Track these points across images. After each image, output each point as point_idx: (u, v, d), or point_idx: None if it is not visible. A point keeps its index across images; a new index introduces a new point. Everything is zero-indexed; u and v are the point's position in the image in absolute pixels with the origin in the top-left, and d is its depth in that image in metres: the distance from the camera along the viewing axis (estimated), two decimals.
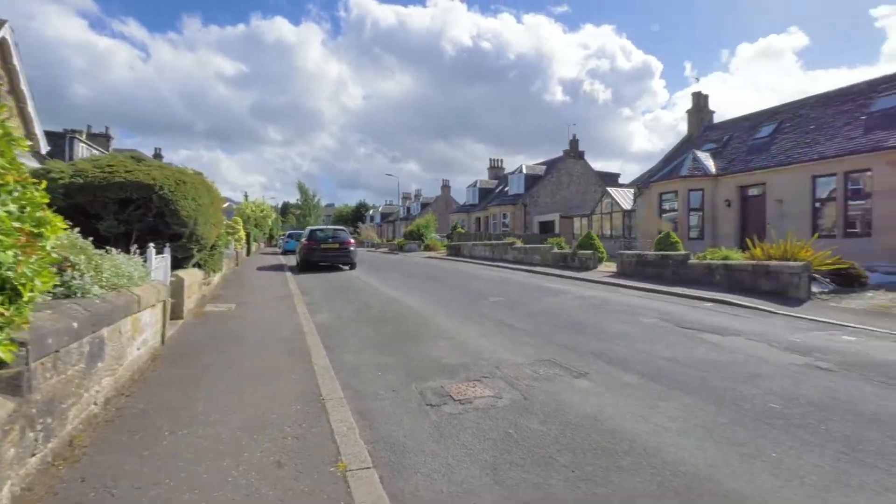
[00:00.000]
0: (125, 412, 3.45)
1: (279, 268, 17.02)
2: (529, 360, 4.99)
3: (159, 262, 6.08)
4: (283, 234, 35.48)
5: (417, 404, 3.82)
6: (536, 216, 33.88)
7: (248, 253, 26.29)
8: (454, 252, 25.71)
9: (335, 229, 17.03)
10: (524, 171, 35.72)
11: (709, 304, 8.55)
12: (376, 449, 3.06)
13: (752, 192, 17.71)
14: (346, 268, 16.31)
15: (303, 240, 16.83)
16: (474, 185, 43.11)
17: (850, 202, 14.70)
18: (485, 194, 42.15)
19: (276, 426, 3.25)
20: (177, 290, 6.51)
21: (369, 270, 16.56)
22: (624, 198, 26.40)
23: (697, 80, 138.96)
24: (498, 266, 18.02)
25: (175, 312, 6.39)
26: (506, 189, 37.60)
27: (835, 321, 6.89)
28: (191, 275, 7.44)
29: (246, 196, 36.88)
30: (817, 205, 15.56)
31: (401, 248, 32.71)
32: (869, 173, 14.07)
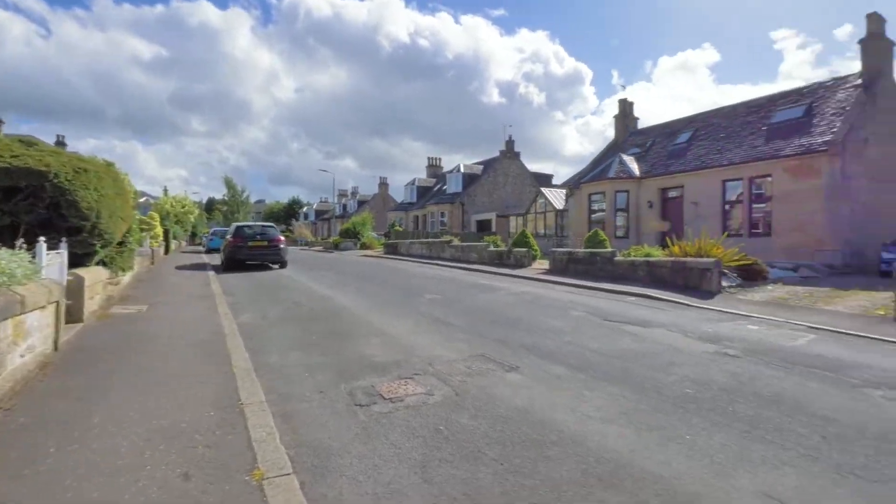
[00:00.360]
0: (1, 429, 3.00)
1: (201, 267, 15.91)
2: (463, 355, 4.97)
3: (53, 259, 5.40)
4: (208, 232, 33.29)
5: (346, 405, 3.66)
6: (474, 215, 34.39)
7: (167, 251, 24.41)
8: (391, 250, 25.44)
9: (264, 226, 16.21)
10: (462, 170, 36.14)
11: (632, 299, 9.03)
12: (299, 454, 2.87)
13: (672, 194, 19.04)
14: (276, 266, 15.57)
15: (228, 237, 15.83)
16: (412, 183, 43.00)
17: (754, 205, 16.21)
18: (423, 192, 42.16)
19: (185, 435, 2.96)
20: (75, 289, 5.83)
21: (302, 269, 15.93)
22: (557, 198, 27.46)
23: (624, 87, 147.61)
24: (435, 264, 18.04)
25: (73, 315, 5.71)
26: (444, 188, 37.83)
27: (741, 312, 7.52)
28: (93, 273, 6.70)
29: (165, 191, 34.31)
30: (727, 207, 17.01)
31: (336, 247, 31.87)
32: (769, 179, 15.59)
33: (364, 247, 30.32)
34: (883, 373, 4.49)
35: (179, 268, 15.65)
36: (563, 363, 4.72)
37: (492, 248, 17.71)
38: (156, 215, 20.72)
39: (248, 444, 2.88)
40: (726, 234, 14.92)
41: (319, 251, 32.14)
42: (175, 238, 28.27)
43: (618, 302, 8.70)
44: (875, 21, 15.73)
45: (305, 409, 3.60)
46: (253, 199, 71.58)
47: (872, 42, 15.79)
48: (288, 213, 72.94)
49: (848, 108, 14.89)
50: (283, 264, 15.58)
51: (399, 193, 52.36)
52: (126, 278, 9.97)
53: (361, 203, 54.51)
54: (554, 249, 14.54)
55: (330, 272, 14.89)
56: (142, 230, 13.71)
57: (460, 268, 16.11)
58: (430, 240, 23.59)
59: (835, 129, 14.41)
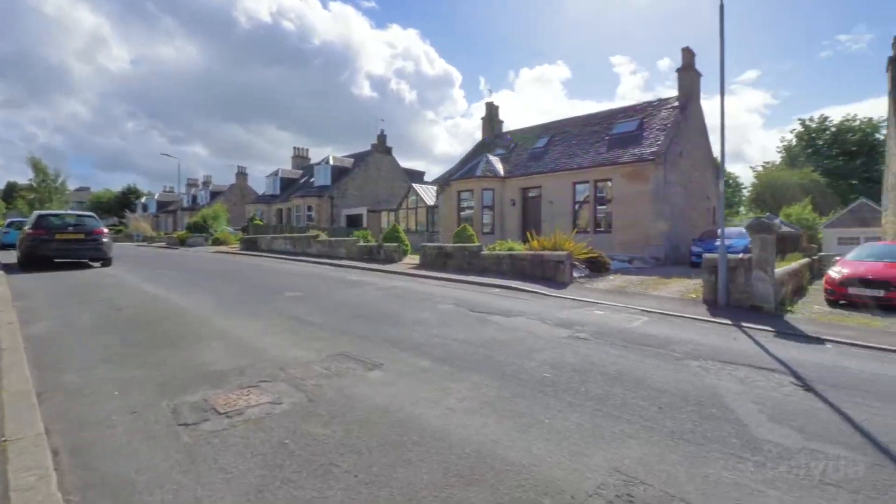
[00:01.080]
0: None
1: None
2: (321, 356, 4.49)
3: None
4: (2, 224, 26.72)
5: (166, 426, 2.96)
6: (344, 209, 33.20)
7: None
8: (250, 246, 23.24)
9: (79, 215, 13.27)
10: (331, 162, 34.58)
11: (497, 290, 9.37)
12: (87, 497, 2.18)
13: (532, 193, 20.54)
14: (98, 264, 12.96)
15: (27, 228, 12.63)
16: (276, 174, 39.95)
17: (598, 206, 18.27)
18: (288, 184, 39.47)
19: None
20: None
21: (133, 267, 13.56)
22: (428, 194, 27.85)
23: (490, 92, 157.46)
24: (300, 260, 16.87)
25: None
26: (311, 180, 35.86)
27: (589, 299, 8.24)
28: None
29: None
30: (577, 206, 18.89)
31: (182, 243, 28.11)
32: (610, 183, 17.70)
33: (217, 242, 27.26)
34: (698, 346, 5.18)
35: None
36: (429, 356, 4.54)
37: (361, 243, 17.16)
38: None
39: (3, 497, 2.10)
40: (576, 230, 16.53)
41: (162, 247, 28.00)
42: None
43: (484, 294, 8.94)
44: (688, 54, 18.84)
45: (108, 436, 2.82)
46: (73, 187, 59.78)
47: (686, 72, 18.89)
48: (121, 204, 62.39)
49: (669, 125, 17.58)
50: (106, 261, 13.00)
51: (260, 185, 48.36)
52: None
53: (216, 194, 49.05)
54: (424, 244, 14.58)
55: (170, 270, 12.90)
56: None
57: (328, 264, 15.28)
58: (294, 235, 22.06)
59: (660, 142, 16.91)
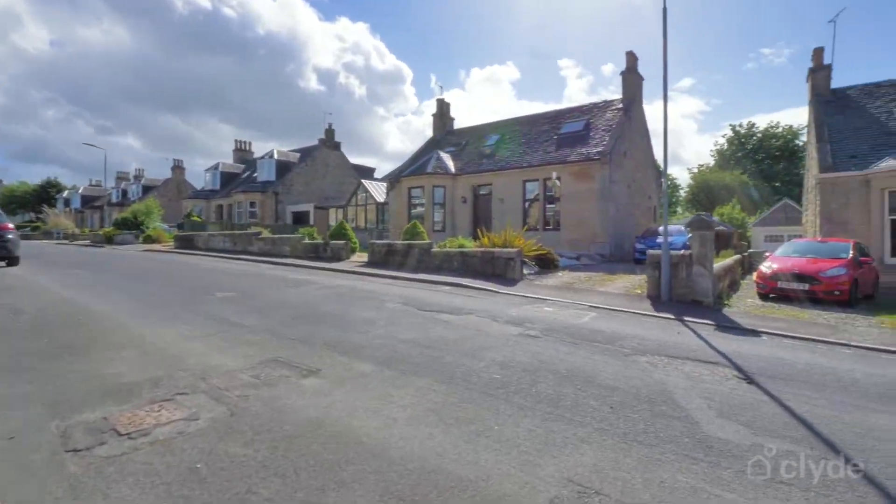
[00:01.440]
0: None
1: None
2: (250, 363, 4.06)
3: None
4: None
5: (50, 453, 2.49)
6: (290, 206, 31.86)
7: None
8: (185, 244, 21.73)
9: None
10: (276, 156, 33.07)
11: (447, 288, 9.15)
12: None
13: (483, 191, 20.54)
14: (3, 263, 11.58)
15: None
16: (216, 168, 37.74)
17: (548, 204, 18.52)
18: (229, 180, 37.39)
19: None
20: None
21: (44, 267, 12.23)
22: (378, 191, 27.25)
23: (441, 89, 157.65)
24: (240, 259, 15.91)
25: None
26: (254, 175, 34.13)
27: (539, 296, 8.19)
28: None
29: None
30: (526, 204, 19.06)
31: (110, 240, 25.91)
32: (558, 181, 17.97)
33: (149, 240, 25.35)
34: (645, 341, 5.18)
35: None
36: (372, 359, 4.23)
37: (307, 240, 16.44)
38: None
39: None
40: (526, 227, 16.63)
41: (85, 245, 25.66)
42: None
43: (434, 292, 8.69)
44: (631, 58, 19.46)
45: None
46: None
47: (629, 74, 19.50)
48: (40, 198, 57.03)
49: (614, 126, 18.08)
50: (12, 260, 11.63)
51: (199, 180, 45.61)
52: None
53: (149, 189, 45.70)
54: (373, 242, 14.13)
55: (87, 270, 11.71)
56: None
57: (270, 262, 14.48)
58: (234, 232, 20.86)
59: (605, 142, 17.34)
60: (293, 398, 3.28)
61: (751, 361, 4.51)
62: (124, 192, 48.46)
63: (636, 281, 9.84)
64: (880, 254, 11.73)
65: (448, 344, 4.84)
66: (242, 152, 41.78)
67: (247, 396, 3.28)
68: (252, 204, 31.98)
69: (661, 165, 8.93)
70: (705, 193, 45.14)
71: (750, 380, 3.96)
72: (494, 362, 4.23)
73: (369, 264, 12.98)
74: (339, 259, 14.52)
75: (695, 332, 5.82)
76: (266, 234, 18.75)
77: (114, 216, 36.89)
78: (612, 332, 5.62)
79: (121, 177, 53.56)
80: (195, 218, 29.07)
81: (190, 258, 16.62)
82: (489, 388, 3.55)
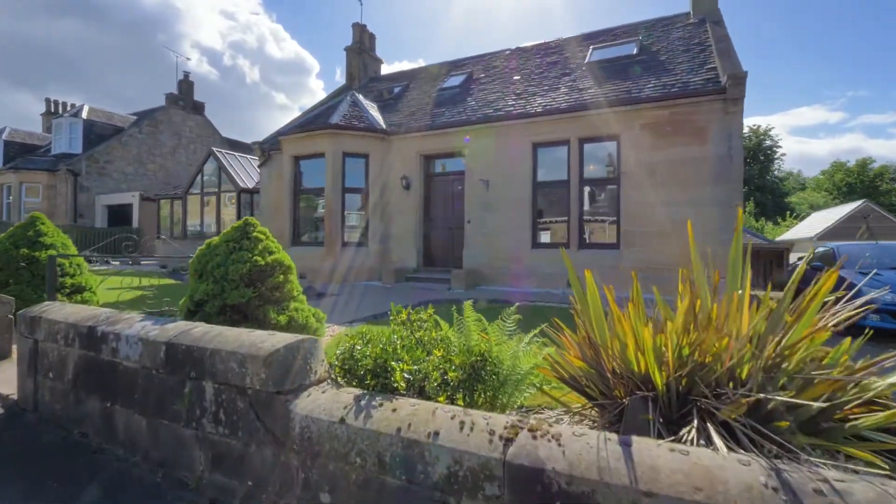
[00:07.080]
0: None
1: None
2: None
3: None
4: None
5: None
6: (102, 195, 19.14)
7: None
8: None
9: None
10: (85, 114, 20.19)
11: None
12: None
13: (444, 165, 10.55)
14: None
15: None
16: None
17: (591, 189, 8.98)
18: (21, 152, 23.42)
19: None
20: None
21: None
22: (246, 170, 15.90)
23: (361, 4, 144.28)
24: None
25: None
26: (48, 146, 20.93)
27: None
28: None
29: None
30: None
31: None
32: (615, 143, 8.48)
33: None
34: None
35: None
36: None
37: None
38: None
39: None
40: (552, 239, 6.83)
41: None
42: None
43: None
44: None
45: None
46: None
47: None
48: None
49: (706, 43, 8.92)
50: None
51: None
52: None
53: None
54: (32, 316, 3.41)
55: None
56: None
57: None
58: None
59: (710, 64, 8.06)
60: None
61: None
62: None
63: None
64: None
65: None
66: (55, 116, 27.50)
67: None
68: (31, 191, 18.79)
69: None
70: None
71: None
72: None
73: None
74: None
75: None
76: None
77: None
78: None
79: None
80: None
81: None
82: None
